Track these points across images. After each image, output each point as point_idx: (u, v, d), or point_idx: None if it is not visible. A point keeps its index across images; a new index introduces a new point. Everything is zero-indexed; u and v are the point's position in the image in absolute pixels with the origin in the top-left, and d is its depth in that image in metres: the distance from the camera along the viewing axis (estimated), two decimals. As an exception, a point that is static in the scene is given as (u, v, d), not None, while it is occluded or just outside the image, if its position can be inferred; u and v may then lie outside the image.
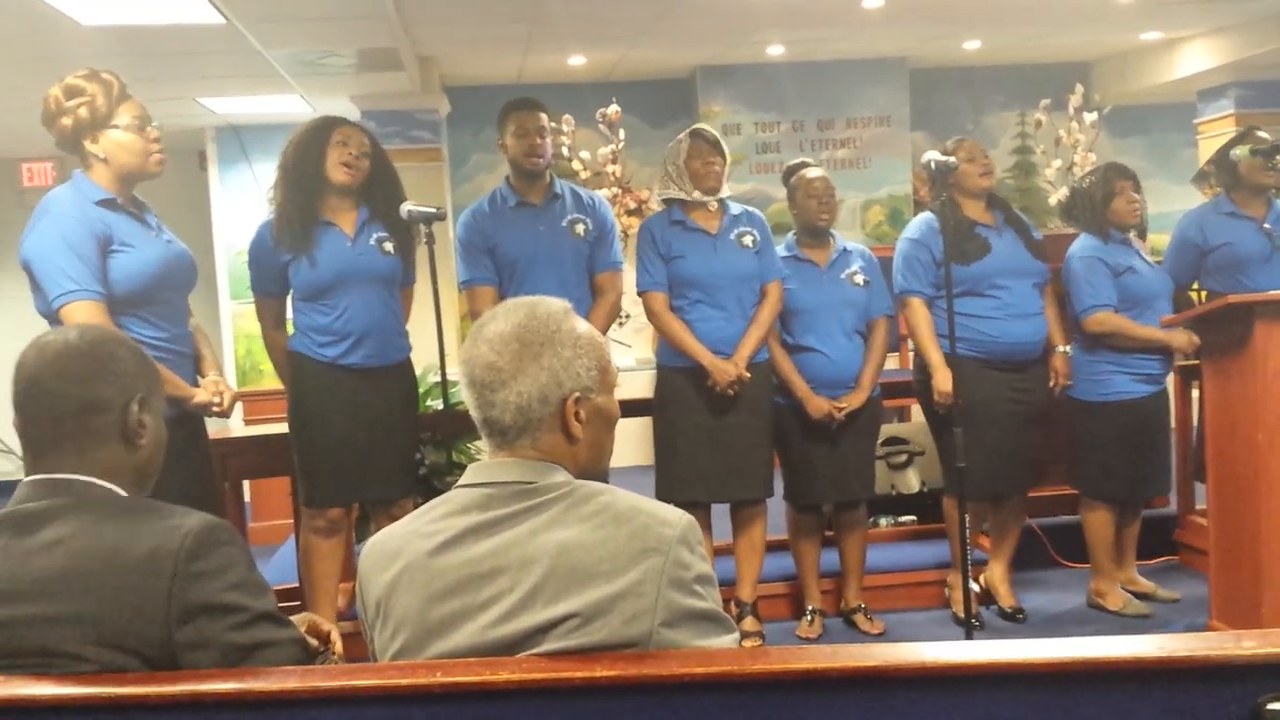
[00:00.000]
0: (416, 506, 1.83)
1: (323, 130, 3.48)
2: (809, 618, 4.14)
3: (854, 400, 3.96)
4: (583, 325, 1.60)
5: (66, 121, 2.99)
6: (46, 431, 1.57)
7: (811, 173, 4.08)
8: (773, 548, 4.19)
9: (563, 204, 3.84)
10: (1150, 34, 7.48)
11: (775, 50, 7.35)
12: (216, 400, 3.12)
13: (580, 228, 3.81)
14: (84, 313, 2.87)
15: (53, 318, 2.94)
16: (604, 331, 3.85)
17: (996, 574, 4.24)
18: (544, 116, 3.80)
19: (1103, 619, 4.13)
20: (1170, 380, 4.23)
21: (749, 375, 3.82)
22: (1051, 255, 4.27)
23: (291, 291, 3.55)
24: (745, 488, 3.93)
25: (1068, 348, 4.11)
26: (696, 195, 3.90)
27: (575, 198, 3.89)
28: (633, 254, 4.03)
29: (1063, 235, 4.62)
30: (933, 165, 3.68)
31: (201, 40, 5.05)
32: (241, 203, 7.64)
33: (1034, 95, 7.62)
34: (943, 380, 3.91)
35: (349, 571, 3.99)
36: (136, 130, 3.02)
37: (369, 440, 3.52)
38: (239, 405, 3.76)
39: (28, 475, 1.58)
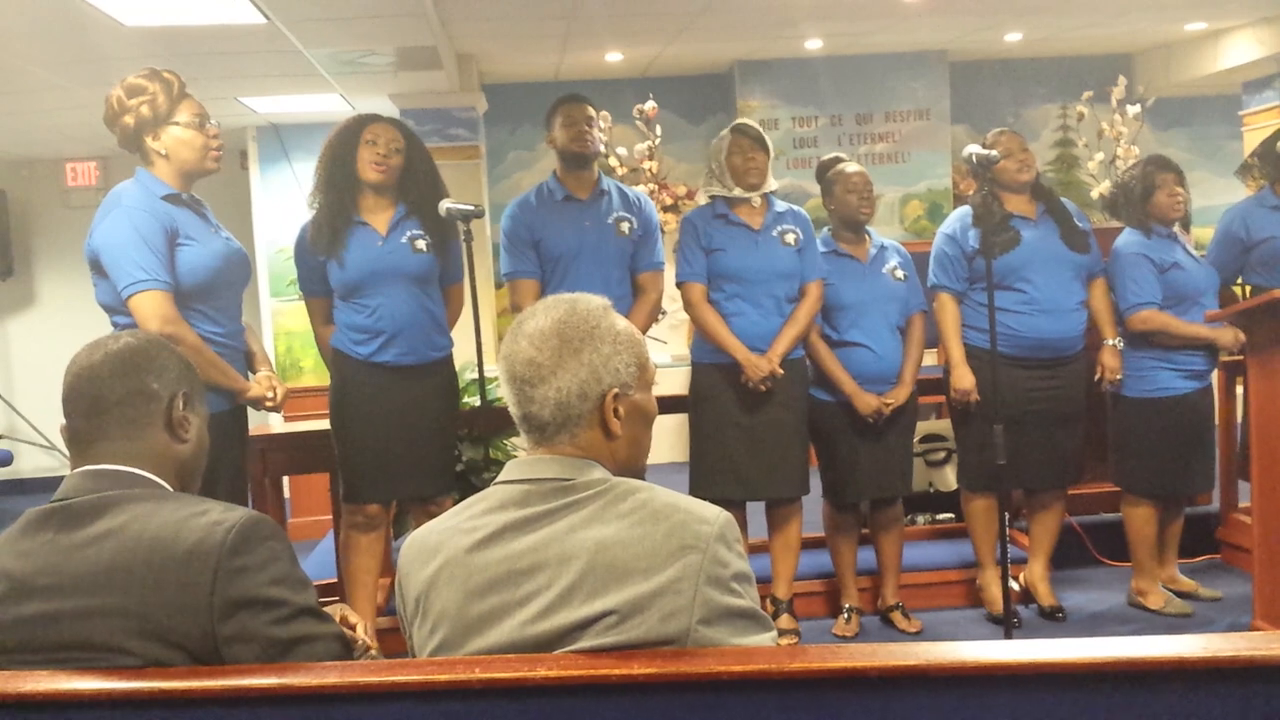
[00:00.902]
0: (455, 503, 1.84)
1: (353, 130, 3.51)
2: (845, 616, 4.12)
3: (899, 396, 3.94)
4: (622, 322, 1.60)
5: (129, 120, 3.09)
6: (93, 422, 1.61)
7: (849, 168, 4.05)
8: (808, 545, 4.17)
9: (609, 201, 3.85)
10: (1194, 24, 7.36)
11: (813, 44, 7.31)
12: (270, 395, 3.23)
13: (625, 226, 3.82)
14: (153, 302, 2.98)
15: (118, 308, 3.02)
16: (644, 330, 3.86)
17: (1036, 572, 4.20)
18: (590, 109, 3.83)
19: (1143, 618, 4.08)
20: (1214, 376, 4.17)
21: (782, 372, 3.80)
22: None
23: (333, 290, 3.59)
24: (781, 485, 3.92)
25: (1117, 341, 4.04)
26: (738, 191, 3.89)
27: (622, 196, 3.91)
28: (671, 252, 4.03)
29: (1107, 229, 4.56)
30: (974, 159, 3.65)
31: (242, 40, 5.10)
32: (282, 201, 7.72)
33: (1076, 87, 7.53)
34: (959, 378, 3.89)
35: (388, 567, 4.03)
36: (197, 127, 3.12)
37: (408, 437, 3.54)
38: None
39: (74, 469, 1.61)
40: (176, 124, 3.09)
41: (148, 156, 3.12)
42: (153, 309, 2.97)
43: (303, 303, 3.80)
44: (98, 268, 3.05)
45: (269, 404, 3.24)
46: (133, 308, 2.97)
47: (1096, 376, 4.04)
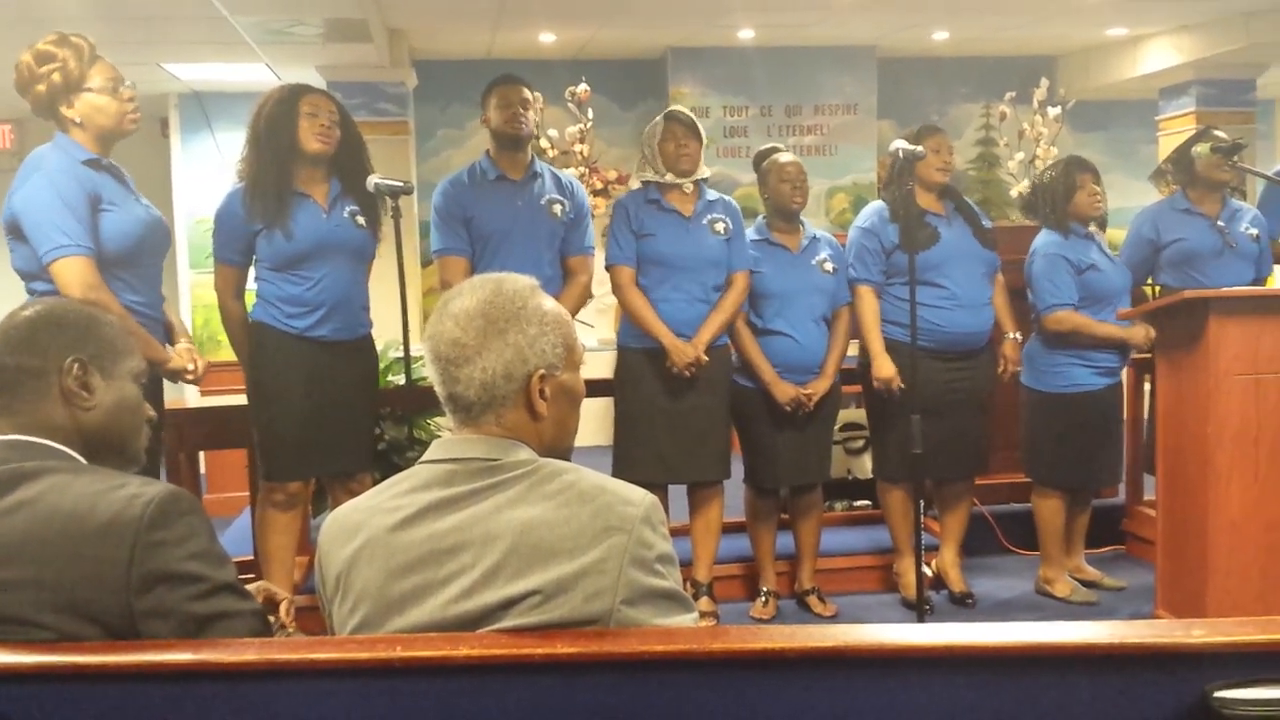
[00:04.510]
0: (375, 482, 1.83)
1: (290, 100, 3.44)
2: (763, 599, 4.18)
3: (820, 387, 3.99)
4: (549, 302, 1.60)
5: (41, 88, 3.03)
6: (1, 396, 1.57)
7: (784, 157, 4.10)
8: (728, 529, 4.22)
9: (542, 183, 3.85)
10: (1115, 30, 7.56)
11: (746, 34, 7.35)
12: (191, 367, 3.19)
13: (558, 208, 3.82)
14: (76, 268, 2.93)
15: (36, 274, 2.95)
16: (574, 313, 3.87)
17: (947, 559, 4.30)
18: (526, 91, 3.82)
19: (1050, 605, 4.20)
20: (1124, 373, 4.30)
21: (707, 358, 3.84)
22: (1011, 247, 4.33)
23: (256, 262, 3.52)
24: (703, 469, 3.96)
25: (1017, 335, 4.17)
26: (669, 177, 3.90)
27: (554, 179, 3.91)
28: (601, 235, 4.03)
29: (1024, 228, 4.67)
30: (900, 154, 3.71)
31: (167, 4, 4.98)
32: (203, 171, 7.55)
33: (999, 88, 7.69)
34: (880, 368, 3.96)
35: (305, 545, 3.98)
36: (110, 92, 3.06)
37: (329, 414, 3.50)
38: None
39: None
40: (90, 90, 3.03)
41: (64, 123, 3.06)
42: (75, 275, 2.92)
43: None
44: (16, 233, 2.98)
45: (189, 376, 3.20)
46: (55, 274, 2.91)
47: (1000, 369, 4.15)
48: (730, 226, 3.95)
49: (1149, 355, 4.06)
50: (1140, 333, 4.00)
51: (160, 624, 1.44)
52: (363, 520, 1.53)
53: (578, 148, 7.20)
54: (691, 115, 3.98)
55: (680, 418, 3.89)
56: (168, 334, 3.28)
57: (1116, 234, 4.60)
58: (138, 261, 3.11)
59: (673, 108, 4.06)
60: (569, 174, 4.09)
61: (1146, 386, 4.56)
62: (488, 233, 3.76)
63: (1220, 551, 3.46)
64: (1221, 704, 1.34)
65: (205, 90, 7.48)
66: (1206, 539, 3.47)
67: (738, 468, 4.15)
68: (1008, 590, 4.37)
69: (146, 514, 1.45)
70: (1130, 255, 4.32)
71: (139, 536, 1.43)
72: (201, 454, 4.72)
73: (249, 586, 1.66)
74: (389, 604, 1.48)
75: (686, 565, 3.99)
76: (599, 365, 5.35)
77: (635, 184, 4.06)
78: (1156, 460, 3.79)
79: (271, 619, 1.68)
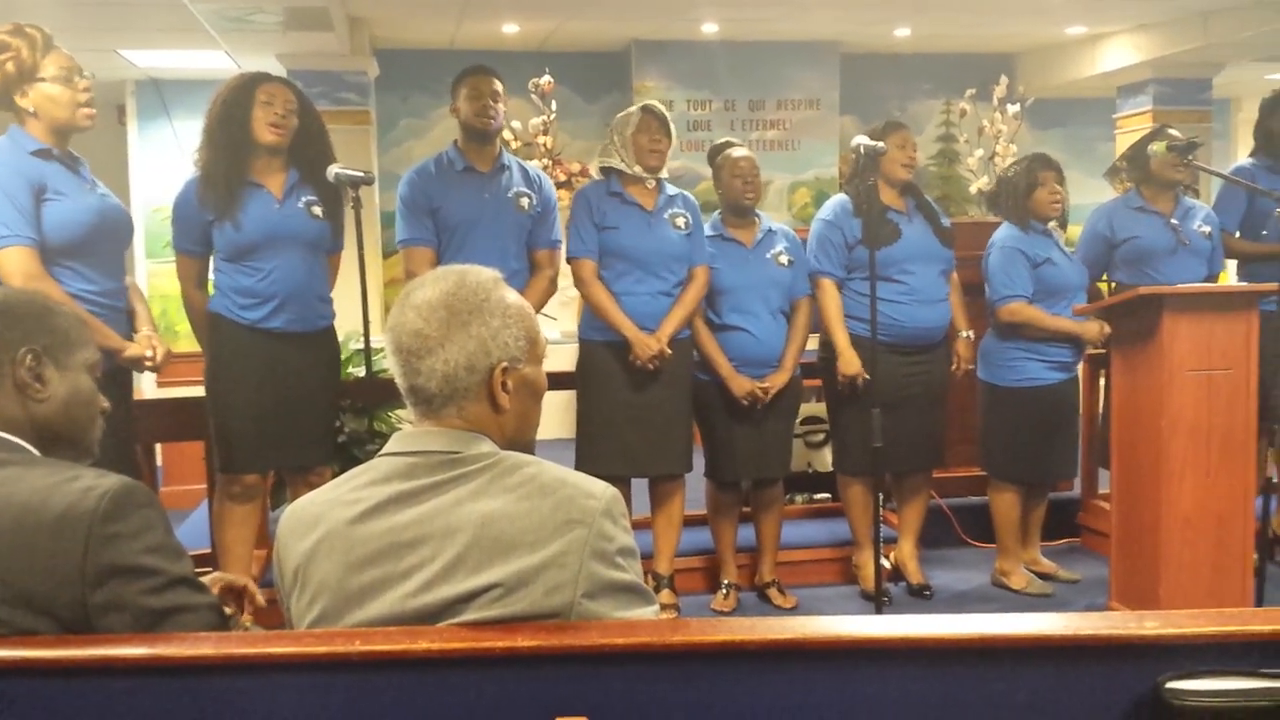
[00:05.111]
0: (335, 475, 1.82)
1: (247, 88, 3.40)
2: (724, 591, 4.19)
3: (777, 380, 4.01)
4: (512, 295, 1.59)
5: None
6: None
7: (737, 152, 4.10)
8: (689, 522, 4.23)
9: (510, 175, 3.83)
10: (1075, 28, 7.64)
11: (710, 28, 7.35)
12: (149, 354, 3.15)
13: (525, 201, 3.80)
14: (16, 258, 2.93)
15: None
16: (540, 307, 3.86)
17: (905, 551, 4.34)
18: (497, 83, 3.80)
19: (1006, 597, 4.25)
20: (1080, 368, 4.35)
21: (670, 352, 3.84)
22: (971, 243, 4.37)
23: (214, 252, 3.49)
24: (665, 463, 3.96)
25: (970, 333, 4.23)
26: (637, 170, 3.90)
27: (522, 172, 3.89)
28: (564, 228, 4.02)
29: (984, 224, 4.71)
30: (862, 149, 3.73)
31: (123, -11, 4.90)
32: (160, 159, 7.45)
33: (960, 84, 7.74)
34: (845, 363, 3.99)
35: (263, 538, 3.95)
36: (64, 82, 3.03)
37: (288, 406, 3.47)
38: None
39: None
40: (43, 80, 3.01)
41: (19, 114, 3.04)
42: (15, 265, 2.92)
43: (178, 264, 3.68)
44: None
45: (148, 364, 3.17)
46: None
47: (953, 366, 4.20)
48: (690, 221, 3.96)
49: (1104, 351, 4.11)
50: (1094, 328, 4.06)
51: (115, 618, 1.42)
52: (321, 513, 1.52)
53: (541, 140, 7.18)
54: (666, 113, 3.98)
55: (642, 411, 3.90)
56: (131, 321, 3.23)
57: (1074, 230, 4.65)
58: (89, 250, 3.07)
59: (649, 102, 4.05)
60: (535, 166, 4.07)
61: (1101, 382, 4.62)
62: (454, 224, 3.74)
63: (1173, 545, 3.51)
64: (1173, 695, 1.37)
65: (163, 77, 7.38)
66: (1160, 532, 3.53)
67: (699, 461, 4.17)
68: (964, 582, 4.42)
69: (100, 507, 1.43)
70: (1085, 252, 4.37)
71: (93, 529, 1.42)
72: (158, 446, 4.67)
73: (209, 576, 1.64)
74: (348, 597, 1.47)
75: (648, 558, 4.00)
76: (562, 358, 5.35)
77: (594, 170, 4.04)
78: (1111, 455, 3.84)
79: (229, 610, 1.66)
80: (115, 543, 1.43)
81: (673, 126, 3.99)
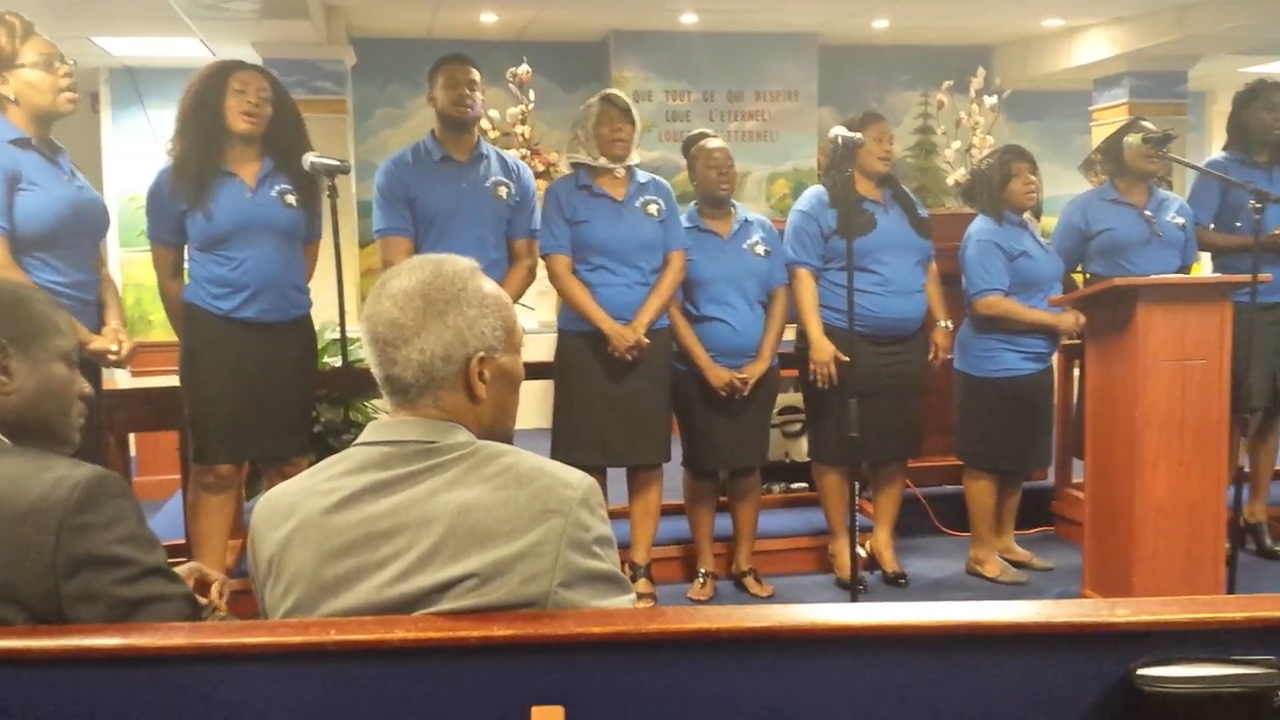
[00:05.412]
0: (311, 465, 1.81)
1: (220, 76, 3.38)
2: (701, 580, 4.20)
3: (756, 369, 4.02)
4: (489, 285, 1.58)
5: None
6: None
7: (711, 143, 4.10)
8: (666, 511, 4.23)
9: (487, 165, 3.82)
10: (1052, 21, 7.67)
11: (689, 19, 7.35)
12: (114, 348, 3.11)
13: (503, 191, 3.79)
14: None
15: None
16: (519, 296, 3.85)
17: (881, 539, 4.36)
18: (475, 71, 3.78)
19: (981, 585, 4.27)
20: (1054, 358, 4.38)
21: (647, 341, 3.84)
22: (948, 234, 4.38)
23: (188, 241, 3.46)
24: (642, 453, 3.96)
25: (948, 323, 4.24)
26: (603, 161, 3.89)
27: (500, 161, 3.88)
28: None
29: (960, 215, 4.73)
30: (840, 140, 3.73)
31: (95, -25, 4.85)
32: (135, 148, 7.39)
33: (937, 76, 7.76)
34: (818, 352, 4.00)
35: (238, 529, 3.93)
36: (44, 68, 3.02)
37: (263, 396, 3.45)
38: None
39: None
40: (23, 66, 2.99)
41: (1, 102, 3.02)
42: None
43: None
44: None
45: (112, 357, 3.13)
46: None
47: (931, 355, 4.22)
48: (663, 207, 3.95)
49: (1079, 341, 4.14)
50: (1070, 319, 4.08)
51: (87, 608, 1.41)
52: (296, 502, 1.51)
53: (519, 129, 7.15)
54: (627, 99, 3.97)
55: (620, 401, 3.89)
56: (100, 314, 3.21)
57: (1050, 222, 4.68)
58: (60, 241, 3.05)
59: (607, 90, 4.03)
60: (514, 155, 4.06)
61: (1076, 372, 4.65)
62: (431, 214, 3.72)
63: (1146, 533, 3.54)
64: (1144, 681, 1.38)
65: (137, 65, 7.31)
66: (1133, 521, 3.55)
67: (677, 450, 4.17)
68: (939, 570, 4.44)
69: (73, 497, 1.42)
70: (1060, 244, 4.40)
71: (65, 520, 1.41)
72: (132, 436, 4.63)
73: (179, 567, 1.63)
74: (322, 587, 1.46)
75: (625, 548, 4.00)
76: (540, 348, 5.33)
77: (565, 164, 4.03)
78: (1085, 444, 3.87)
79: (203, 601, 1.65)
80: (87, 533, 1.42)
81: (636, 112, 3.97)
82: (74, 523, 1.41)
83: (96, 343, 3.10)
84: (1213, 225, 4.48)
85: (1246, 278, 3.59)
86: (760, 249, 4.08)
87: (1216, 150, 4.68)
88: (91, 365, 3.16)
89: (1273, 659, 1.40)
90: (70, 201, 3.07)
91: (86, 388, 1.70)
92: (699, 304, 4.04)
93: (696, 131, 4.26)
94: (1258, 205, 3.64)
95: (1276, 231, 4.18)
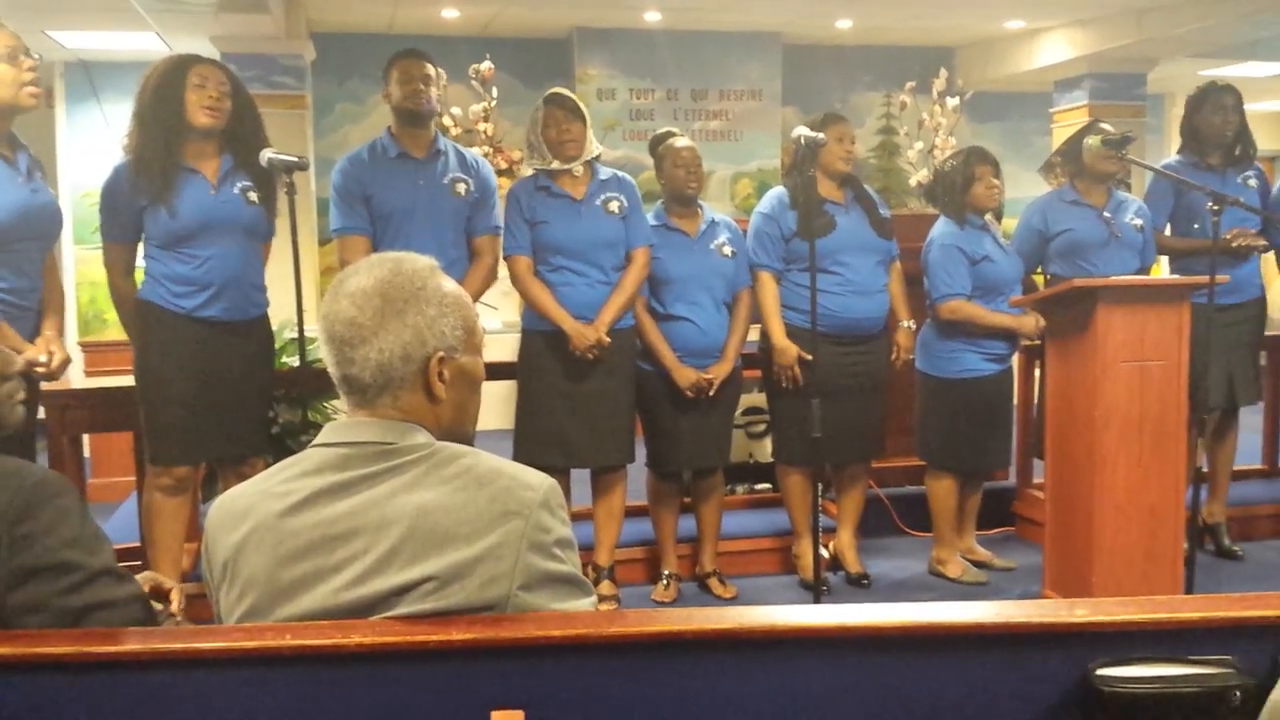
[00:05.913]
0: (268, 466, 1.78)
1: (178, 70, 3.32)
2: (664, 582, 4.19)
3: (721, 370, 4.02)
4: (449, 284, 1.57)
5: None
6: None
7: (679, 142, 4.10)
8: (629, 513, 4.22)
9: (445, 161, 3.78)
10: (1014, 22, 7.74)
11: (653, 16, 7.34)
12: (43, 359, 3.01)
13: (462, 187, 3.76)
14: None
15: None
16: (480, 294, 3.82)
17: (844, 540, 4.37)
18: (429, 66, 3.74)
19: (943, 585, 4.30)
20: (1015, 359, 4.41)
21: (609, 340, 3.83)
22: (910, 235, 4.40)
23: (145, 239, 3.40)
24: (606, 454, 3.95)
25: (911, 323, 4.26)
26: (556, 164, 3.87)
27: (459, 157, 3.84)
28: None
29: (923, 216, 4.76)
30: (802, 140, 3.74)
31: (49, -33, 4.77)
32: (90, 143, 7.28)
33: (900, 77, 7.81)
34: (780, 354, 4.01)
35: (194, 531, 3.87)
36: (8, 60, 2.93)
37: (220, 397, 3.40)
38: (79, 356, 3.61)
39: None
40: None
41: None
42: None
43: (110, 250, 3.58)
44: None
45: (41, 369, 3.01)
46: None
47: (894, 356, 4.24)
48: (625, 204, 3.93)
49: (1039, 343, 4.17)
50: (1030, 322, 4.11)
51: (33, 619, 1.38)
52: (251, 505, 1.48)
53: (481, 126, 7.12)
54: (573, 96, 3.95)
55: (583, 402, 3.88)
56: (38, 322, 3.12)
57: (1012, 224, 4.71)
58: (4, 247, 2.95)
59: (552, 90, 4.00)
60: (475, 152, 4.02)
61: (1037, 373, 4.69)
62: (388, 212, 3.69)
63: (1105, 533, 3.57)
64: (1102, 681, 1.39)
65: (92, 59, 7.20)
66: (1092, 521, 3.58)
67: (640, 451, 4.16)
68: (902, 571, 4.46)
69: (12, 506, 1.38)
70: (1020, 245, 4.43)
71: (3, 532, 1.37)
72: (86, 437, 4.56)
73: (137, 576, 1.60)
74: (278, 591, 1.44)
75: (588, 549, 3.99)
76: (503, 348, 5.32)
77: (526, 171, 4.01)
78: (1045, 444, 3.90)
79: (160, 608, 1.62)
80: (29, 543, 1.38)
81: (584, 107, 3.95)
82: (14, 534, 1.37)
83: (28, 352, 2.98)
84: (1167, 228, 4.53)
85: (1205, 279, 3.63)
86: (727, 249, 4.08)
87: (1174, 153, 4.73)
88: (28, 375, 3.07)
89: (1230, 659, 1.41)
90: (19, 206, 2.98)
91: (19, 393, 1.65)
92: (666, 303, 4.03)
93: (664, 130, 4.25)
94: (1215, 208, 3.68)
95: (1228, 235, 4.24)
